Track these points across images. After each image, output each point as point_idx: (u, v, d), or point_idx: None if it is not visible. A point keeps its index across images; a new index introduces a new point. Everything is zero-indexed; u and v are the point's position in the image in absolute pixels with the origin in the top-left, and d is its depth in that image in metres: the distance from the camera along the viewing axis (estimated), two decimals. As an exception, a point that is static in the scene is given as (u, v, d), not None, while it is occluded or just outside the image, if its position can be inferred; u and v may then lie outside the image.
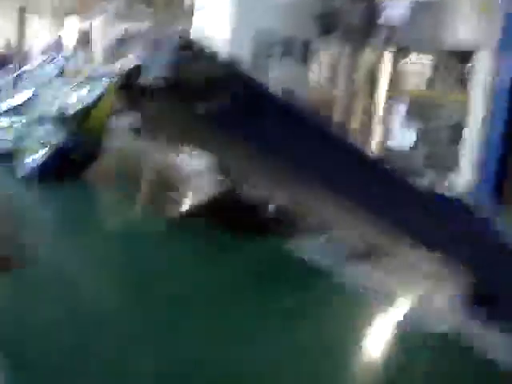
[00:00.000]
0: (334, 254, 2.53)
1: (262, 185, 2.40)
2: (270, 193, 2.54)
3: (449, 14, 7.50)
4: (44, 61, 5.13)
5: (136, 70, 2.63)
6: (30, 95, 4.35)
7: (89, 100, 3.71)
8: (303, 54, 9.25)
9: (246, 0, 8.89)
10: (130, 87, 2.68)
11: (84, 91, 3.82)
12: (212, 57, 2.21)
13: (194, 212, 3.10)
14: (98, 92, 3.71)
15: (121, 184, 3.44)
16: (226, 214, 2.90)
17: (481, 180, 6.21)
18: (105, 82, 3.66)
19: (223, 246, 2.65)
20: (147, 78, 2.30)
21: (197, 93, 2.17)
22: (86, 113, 3.72)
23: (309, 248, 2.58)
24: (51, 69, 4.94)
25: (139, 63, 2.65)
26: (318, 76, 9.35)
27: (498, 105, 5.78)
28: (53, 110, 3.88)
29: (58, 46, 5.60)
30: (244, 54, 8.51)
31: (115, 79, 3.27)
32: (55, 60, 5.07)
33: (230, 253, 2.60)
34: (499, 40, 6.23)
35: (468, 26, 7.37)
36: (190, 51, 2.25)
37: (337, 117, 8.62)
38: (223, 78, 2.20)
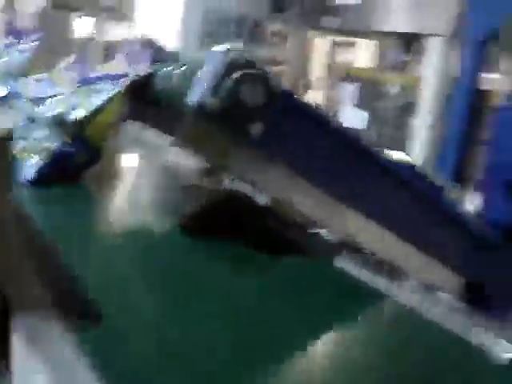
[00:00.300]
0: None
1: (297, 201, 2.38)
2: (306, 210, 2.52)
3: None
4: (6, 46, 4.70)
5: (147, 79, 2.56)
6: (7, 92, 4.06)
7: (93, 106, 3.52)
8: (252, 33, 9.18)
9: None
10: (139, 95, 2.61)
11: (81, 95, 3.63)
12: (263, 76, 2.13)
13: (201, 217, 3.01)
14: (102, 97, 3.53)
15: (120, 188, 3.35)
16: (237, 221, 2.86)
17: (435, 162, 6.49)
18: (108, 87, 3.48)
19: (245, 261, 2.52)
20: (192, 100, 2.18)
21: (251, 114, 2.10)
22: (89, 119, 3.54)
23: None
24: (15, 59, 4.58)
25: (150, 71, 2.58)
26: (267, 56, 9.35)
27: (457, 92, 6.02)
28: (44, 112, 3.64)
29: (12, 29, 5.20)
30: (194, 35, 8.35)
31: (120, 85, 3.13)
32: (17, 47, 4.68)
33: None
34: (455, 26, 6.46)
35: (419, 9, 7.61)
36: (242, 70, 2.11)
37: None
38: (272, 96, 2.14)
